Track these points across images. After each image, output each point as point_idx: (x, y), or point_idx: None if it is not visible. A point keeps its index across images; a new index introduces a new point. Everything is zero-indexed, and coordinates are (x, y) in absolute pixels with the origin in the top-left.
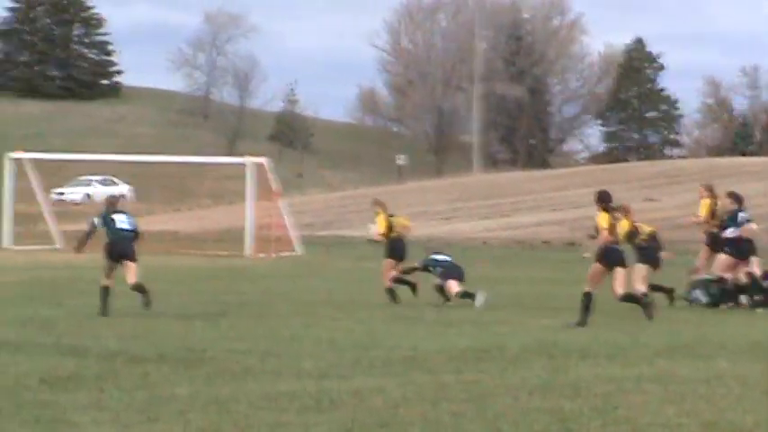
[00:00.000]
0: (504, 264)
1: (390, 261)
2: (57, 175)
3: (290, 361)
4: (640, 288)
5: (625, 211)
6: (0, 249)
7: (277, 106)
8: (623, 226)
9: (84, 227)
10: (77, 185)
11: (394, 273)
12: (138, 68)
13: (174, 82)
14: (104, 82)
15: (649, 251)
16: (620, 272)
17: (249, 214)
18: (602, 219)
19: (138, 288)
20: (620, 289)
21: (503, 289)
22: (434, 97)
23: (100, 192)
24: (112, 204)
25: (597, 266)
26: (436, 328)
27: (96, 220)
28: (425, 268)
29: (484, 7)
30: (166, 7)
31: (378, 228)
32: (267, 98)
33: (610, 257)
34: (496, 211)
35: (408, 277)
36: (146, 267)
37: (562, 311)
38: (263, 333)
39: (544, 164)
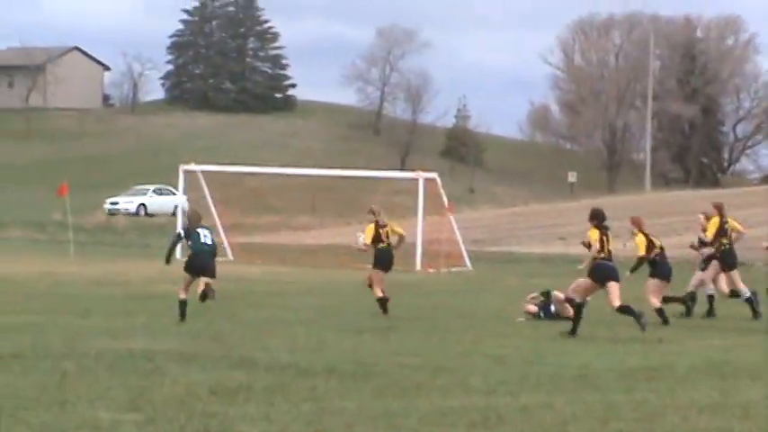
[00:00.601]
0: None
1: (377, 272)
2: (230, 187)
3: (459, 376)
4: (654, 302)
5: (638, 225)
6: (173, 261)
7: (449, 121)
8: (641, 240)
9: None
10: (133, 195)
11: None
12: (310, 83)
13: (346, 96)
14: (278, 96)
15: (662, 265)
16: (613, 285)
17: (420, 229)
18: (593, 234)
19: (204, 298)
20: (616, 302)
21: (673, 308)
22: (607, 115)
23: (156, 202)
24: (197, 219)
25: (587, 281)
26: (605, 346)
27: (181, 233)
28: None
29: (658, 26)
30: (340, 22)
31: (365, 237)
32: (439, 113)
33: (599, 273)
34: (669, 229)
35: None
36: (318, 280)
37: (731, 332)
38: (433, 348)
39: (715, 183)
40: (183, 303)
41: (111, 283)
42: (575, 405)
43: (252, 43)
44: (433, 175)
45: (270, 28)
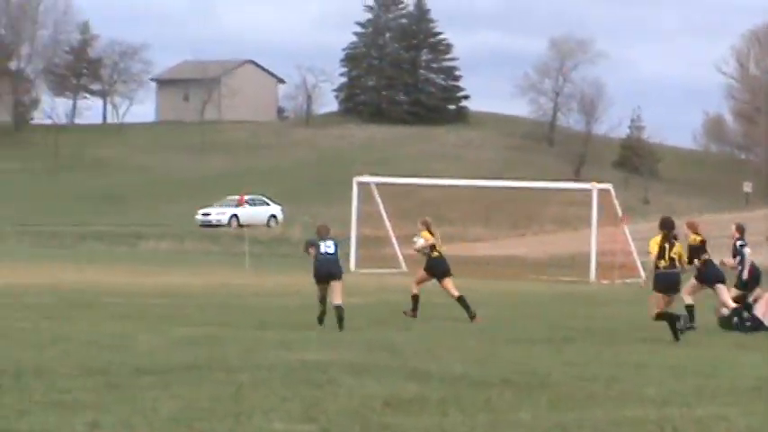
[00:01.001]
0: None
1: (423, 275)
2: (404, 199)
3: (633, 387)
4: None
5: (693, 228)
6: (347, 272)
7: (622, 132)
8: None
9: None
10: (225, 206)
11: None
12: (483, 94)
13: (519, 107)
14: (451, 107)
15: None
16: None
17: (593, 240)
18: (653, 243)
19: (340, 309)
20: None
21: None
22: None
23: (248, 212)
24: (324, 232)
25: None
26: None
27: (312, 242)
28: None
29: None
30: (512, 33)
31: (425, 240)
32: (613, 124)
33: (658, 283)
34: None
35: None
36: (491, 291)
37: None
38: (607, 358)
39: None
40: (321, 316)
41: (286, 295)
42: (750, 417)
43: (425, 55)
44: (608, 186)
45: (443, 40)
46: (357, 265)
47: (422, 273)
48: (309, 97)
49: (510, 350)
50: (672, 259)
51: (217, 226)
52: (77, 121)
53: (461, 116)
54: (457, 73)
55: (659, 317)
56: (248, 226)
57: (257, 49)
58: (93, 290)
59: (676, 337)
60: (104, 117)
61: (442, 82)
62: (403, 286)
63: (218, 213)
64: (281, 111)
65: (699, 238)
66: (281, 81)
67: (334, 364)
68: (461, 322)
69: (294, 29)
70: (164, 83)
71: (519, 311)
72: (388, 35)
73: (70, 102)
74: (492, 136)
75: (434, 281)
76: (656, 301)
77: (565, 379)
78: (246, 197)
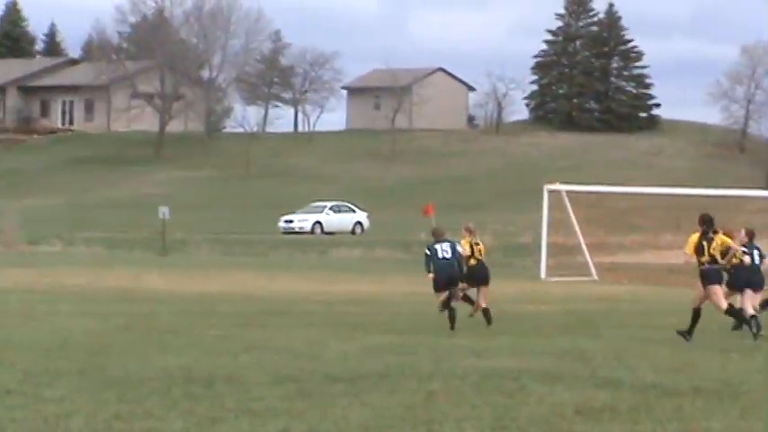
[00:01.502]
0: None
1: (463, 285)
2: (594, 207)
3: None
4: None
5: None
6: (537, 281)
7: None
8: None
9: None
10: (308, 213)
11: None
12: (674, 101)
13: (711, 115)
14: (642, 115)
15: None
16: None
17: None
18: (691, 239)
19: (448, 307)
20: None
21: None
22: None
23: (332, 219)
24: (439, 235)
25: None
26: None
27: (428, 251)
28: None
29: None
30: (704, 40)
31: (464, 249)
32: None
33: (704, 278)
34: None
35: None
36: (682, 300)
37: None
38: None
39: None
40: (449, 311)
41: None
42: None
43: (616, 62)
44: None
45: (634, 47)
46: (547, 274)
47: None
48: (499, 105)
49: (702, 358)
50: (712, 255)
51: (300, 233)
52: (269, 129)
53: (652, 124)
54: (648, 81)
55: (727, 312)
56: (333, 233)
57: (447, 56)
58: (284, 298)
59: (689, 334)
60: (295, 125)
61: (633, 89)
62: (594, 294)
63: (301, 220)
64: (471, 119)
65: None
66: (472, 89)
67: (525, 372)
68: (653, 330)
69: (484, 36)
70: (354, 91)
71: (712, 320)
72: (578, 43)
73: (262, 110)
74: (684, 144)
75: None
76: (698, 294)
77: (757, 388)
78: (330, 204)
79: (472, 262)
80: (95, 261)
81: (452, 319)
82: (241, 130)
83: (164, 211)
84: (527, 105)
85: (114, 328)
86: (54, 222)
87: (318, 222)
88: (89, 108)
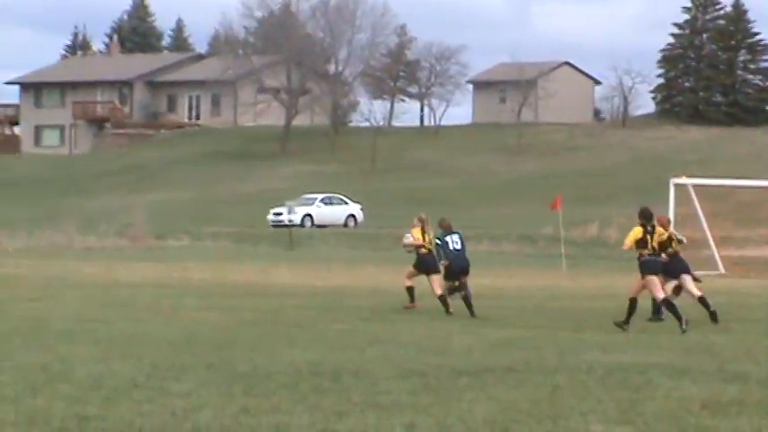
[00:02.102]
0: None
1: (412, 270)
2: (720, 200)
3: None
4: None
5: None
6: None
7: None
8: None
9: None
10: (299, 205)
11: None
12: None
13: None
14: None
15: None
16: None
17: None
18: (633, 233)
19: (451, 294)
20: (659, 294)
21: None
22: None
23: (323, 212)
24: (447, 227)
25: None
26: None
27: (438, 242)
28: None
29: None
30: None
31: (414, 238)
32: None
33: (644, 269)
34: None
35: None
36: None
37: None
38: None
39: None
40: (442, 300)
41: (602, 297)
42: None
43: (742, 56)
44: None
45: (761, 40)
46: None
47: (410, 268)
48: (625, 99)
49: None
50: (654, 248)
51: (289, 226)
52: (395, 123)
53: None
54: None
55: (664, 302)
56: (324, 226)
57: (573, 50)
58: None
59: (625, 323)
60: (421, 120)
61: (760, 83)
62: (722, 288)
63: (290, 213)
64: (597, 112)
65: (666, 234)
66: (598, 82)
67: (652, 367)
68: None
69: (610, 30)
70: (480, 85)
71: None
72: (705, 36)
73: (387, 104)
74: None
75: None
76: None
77: None
78: (321, 196)
79: (423, 251)
80: (222, 255)
81: (447, 305)
82: (367, 124)
83: (290, 206)
84: (653, 99)
85: (241, 322)
86: (181, 217)
87: (309, 215)
88: (216, 103)
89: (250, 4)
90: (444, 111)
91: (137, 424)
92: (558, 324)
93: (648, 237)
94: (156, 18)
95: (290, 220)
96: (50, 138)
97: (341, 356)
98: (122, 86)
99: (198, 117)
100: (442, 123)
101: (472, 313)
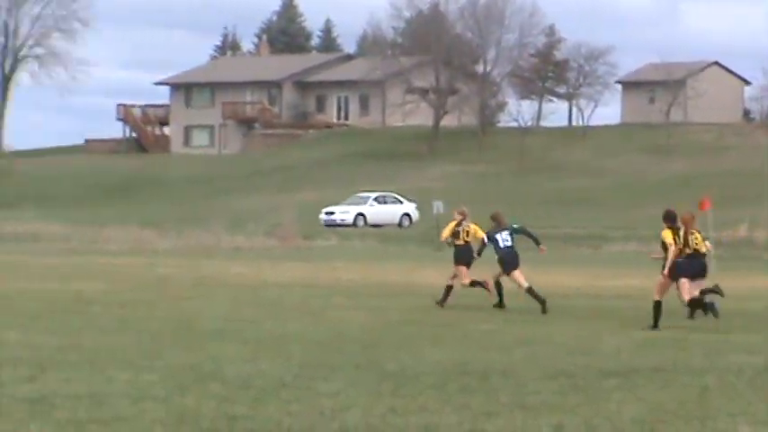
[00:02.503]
0: None
1: (460, 267)
2: None
3: None
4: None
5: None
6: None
7: None
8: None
9: None
10: (351, 204)
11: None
12: None
13: None
14: None
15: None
16: (684, 281)
17: None
18: (666, 235)
19: (531, 291)
20: (686, 296)
21: None
22: None
23: (377, 211)
24: (499, 222)
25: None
26: None
27: (485, 239)
28: None
29: None
30: None
31: (445, 232)
32: None
33: (677, 271)
34: None
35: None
36: None
37: None
38: None
39: None
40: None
41: (752, 299)
42: None
43: None
44: None
45: None
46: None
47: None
48: None
49: None
50: (695, 249)
51: (341, 225)
52: (543, 123)
53: None
54: None
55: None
56: (378, 226)
57: (722, 50)
58: (557, 292)
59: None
60: (569, 120)
61: None
62: None
63: (342, 212)
64: (746, 112)
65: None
66: (747, 83)
67: None
68: None
69: (760, 30)
70: (628, 85)
71: None
72: None
73: (536, 105)
74: None
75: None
76: (663, 288)
77: None
78: (375, 195)
79: (460, 243)
80: (370, 255)
81: (500, 294)
82: (515, 124)
83: (438, 206)
84: None
85: (389, 322)
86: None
87: (361, 214)
88: (364, 103)
89: (399, 5)
90: (592, 111)
91: (285, 424)
92: (705, 325)
93: (679, 238)
94: (305, 18)
95: (437, 217)
96: (200, 138)
97: (488, 357)
98: (271, 87)
99: (346, 117)
100: (590, 123)
101: (542, 304)
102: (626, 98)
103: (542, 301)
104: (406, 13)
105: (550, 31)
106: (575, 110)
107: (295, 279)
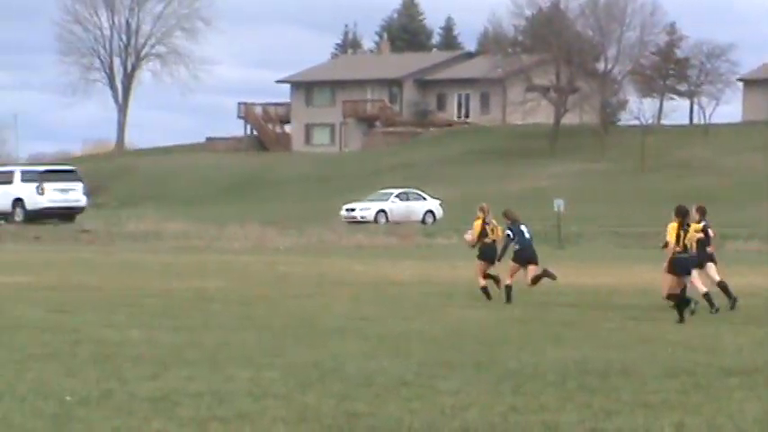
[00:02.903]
0: None
1: (481, 263)
2: None
3: None
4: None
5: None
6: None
7: None
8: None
9: None
10: (373, 200)
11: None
12: None
13: None
14: None
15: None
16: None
17: None
18: (671, 230)
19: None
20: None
21: None
22: None
23: (399, 208)
24: (514, 219)
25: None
26: None
27: (510, 233)
28: None
29: None
30: None
31: (472, 233)
32: None
33: (675, 267)
34: None
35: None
36: None
37: None
38: None
39: None
40: (507, 288)
41: None
42: None
43: None
44: None
45: None
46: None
47: (478, 262)
48: None
49: None
50: (685, 245)
51: (362, 222)
52: (664, 122)
53: None
54: None
55: (670, 297)
56: (400, 223)
57: None
58: None
59: (681, 319)
60: (690, 118)
61: None
62: None
63: (363, 209)
64: None
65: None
66: None
67: None
68: None
69: None
70: (750, 83)
71: None
72: None
73: (657, 103)
74: None
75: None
76: (669, 283)
77: None
78: (397, 191)
79: (488, 240)
80: None
81: (509, 295)
82: (636, 122)
83: (559, 204)
84: None
85: (509, 320)
86: (449, 215)
87: (383, 211)
88: (485, 101)
89: (520, 3)
90: (714, 109)
91: (406, 422)
92: None
93: (682, 233)
94: (425, 16)
95: (559, 213)
96: (320, 136)
97: (609, 355)
98: (392, 85)
99: (467, 115)
100: (712, 121)
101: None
102: (747, 96)
103: (508, 297)
104: (527, 11)
105: (671, 29)
106: (696, 108)
107: (415, 277)
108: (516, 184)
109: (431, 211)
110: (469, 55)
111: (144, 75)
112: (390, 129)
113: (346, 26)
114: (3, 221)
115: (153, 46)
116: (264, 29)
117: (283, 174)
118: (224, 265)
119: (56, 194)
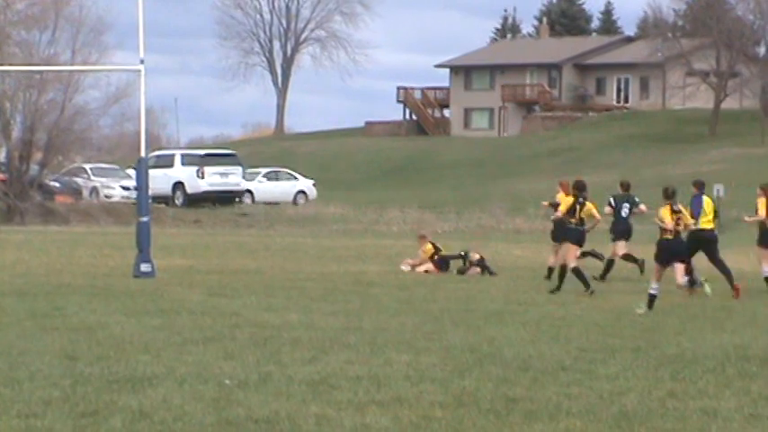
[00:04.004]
0: None
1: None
2: None
3: None
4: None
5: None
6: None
7: None
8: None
9: None
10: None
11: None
12: None
13: None
14: None
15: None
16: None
17: None
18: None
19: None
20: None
21: None
22: None
23: (267, 188)
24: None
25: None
26: None
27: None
28: None
29: None
30: None
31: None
32: None
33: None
34: None
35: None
36: None
37: None
38: None
39: None
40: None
41: None
42: None
43: None
44: None
45: None
46: None
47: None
48: None
49: None
50: (581, 218)
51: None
52: None
53: None
54: None
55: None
56: (271, 203)
57: None
58: None
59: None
60: None
61: None
62: None
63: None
64: None
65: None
66: None
67: None
68: None
69: None
70: None
71: None
72: None
73: None
74: None
75: None
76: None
77: None
78: (265, 170)
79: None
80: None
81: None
82: None
83: (718, 189)
84: None
85: (669, 305)
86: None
87: (248, 191)
88: (644, 86)
89: None
90: None
91: (564, 406)
92: None
93: (578, 207)
94: (584, 1)
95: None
96: (479, 120)
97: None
98: (551, 69)
99: (626, 100)
100: None
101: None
102: None
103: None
104: None
105: None
106: None
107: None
108: (675, 170)
109: (303, 191)
110: (629, 39)
111: (303, 59)
112: (549, 113)
113: (505, 11)
114: (163, 204)
115: (312, 30)
116: (423, 13)
117: (442, 158)
118: (382, 249)
119: (216, 178)
